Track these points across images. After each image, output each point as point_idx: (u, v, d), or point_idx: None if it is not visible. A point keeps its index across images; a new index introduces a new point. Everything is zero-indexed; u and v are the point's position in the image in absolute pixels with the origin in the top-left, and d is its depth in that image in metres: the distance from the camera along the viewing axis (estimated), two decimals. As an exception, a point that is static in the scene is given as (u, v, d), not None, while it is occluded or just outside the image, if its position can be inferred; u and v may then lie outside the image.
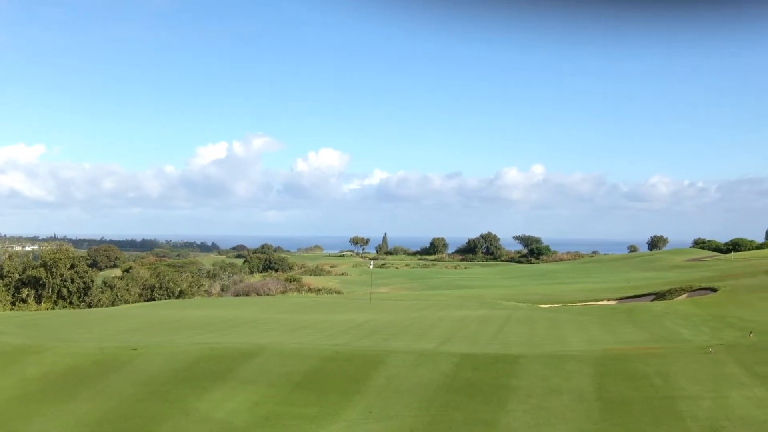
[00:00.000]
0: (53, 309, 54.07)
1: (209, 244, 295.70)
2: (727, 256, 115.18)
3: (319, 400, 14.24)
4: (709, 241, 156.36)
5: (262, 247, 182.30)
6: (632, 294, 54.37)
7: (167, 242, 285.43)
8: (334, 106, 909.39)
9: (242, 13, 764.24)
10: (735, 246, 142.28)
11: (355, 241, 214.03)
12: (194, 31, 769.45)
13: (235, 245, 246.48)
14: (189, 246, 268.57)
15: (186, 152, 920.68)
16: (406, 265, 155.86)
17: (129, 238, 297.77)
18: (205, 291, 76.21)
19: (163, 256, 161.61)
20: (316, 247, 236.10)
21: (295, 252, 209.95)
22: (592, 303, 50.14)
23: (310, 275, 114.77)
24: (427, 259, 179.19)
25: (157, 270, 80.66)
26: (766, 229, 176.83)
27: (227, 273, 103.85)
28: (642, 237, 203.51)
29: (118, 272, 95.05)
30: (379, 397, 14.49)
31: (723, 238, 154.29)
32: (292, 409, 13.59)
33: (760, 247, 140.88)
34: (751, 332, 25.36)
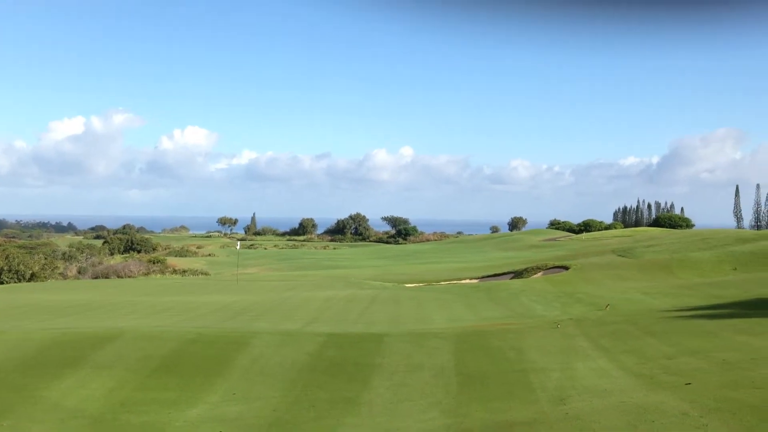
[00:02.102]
0: None
1: (65, 224, 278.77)
2: (579, 236, 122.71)
3: (180, 384, 13.88)
4: (563, 222, 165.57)
5: (124, 227, 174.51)
6: (493, 273, 56.76)
7: (17, 222, 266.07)
8: (202, 83, 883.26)
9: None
10: (586, 227, 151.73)
11: (223, 222, 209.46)
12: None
13: (94, 225, 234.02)
14: (42, 226, 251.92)
15: (38, 126, 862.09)
16: (275, 246, 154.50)
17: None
18: (60, 274, 72.18)
19: (13, 237, 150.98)
20: (182, 227, 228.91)
21: (159, 233, 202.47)
22: (455, 282, 51.92)
23: (176, 256, 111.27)
24: (296, 240, 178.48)
25: (5, 252, 75.20)
26: (613, 211, 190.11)
27: (85, 255, 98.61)
28: (503, 218, 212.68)
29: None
30: (242, 379, 14.34)
31: (576, 219, 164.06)
32: (151, 394, 13.17)
33: (607, 227, 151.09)
34: (607, 305, 27.62)
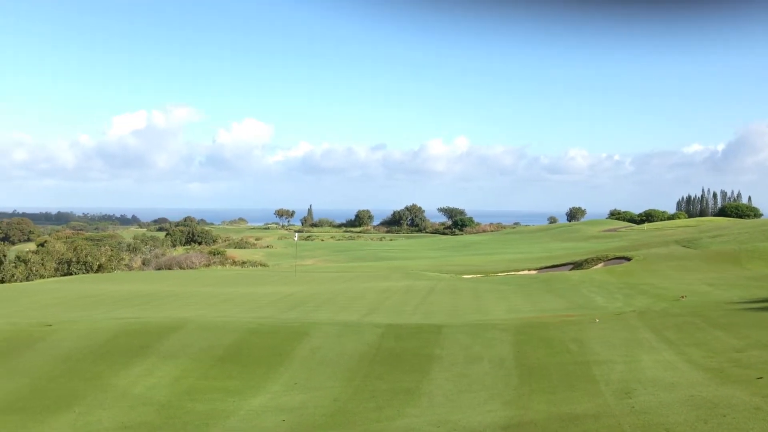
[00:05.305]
0: (-38, 285, 51.60)
1: (129, 216, 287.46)
2: (641, 226, 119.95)
3: (242, 373, 14.12)
4: (623, 212, 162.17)
5: (185, 219, 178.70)
6: (551, 264, 55.99)
7: (84, 215, 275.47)
8: (258, 76, 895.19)
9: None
10: (648, 217, 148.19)
11: (280, 214, 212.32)
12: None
13: (156, 218, 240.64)
14: (108, 219, 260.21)
15: (102, 121, 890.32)
16: (332, 237, 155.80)
17: (43, 211, 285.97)
18: (125, 265, 74.39)
19: (81, 230, 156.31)
20: (241, 219, 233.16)
21: (219, 225, 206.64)
22: (513, 273, 51.42)
23: (235, 248, 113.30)
24: (352, 231, 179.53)
25: (74, 244, 77.90)
26: (677, 200, 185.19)
27: (149, 246, 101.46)
28: (561, 208, 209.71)
29: (32, 246, 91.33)
30: (303, 369, 14.48)
31: (637, 209, 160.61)
32: (215, 383, 13.43)
33: (671, 217, 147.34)
34: (683, 296, 27.01)
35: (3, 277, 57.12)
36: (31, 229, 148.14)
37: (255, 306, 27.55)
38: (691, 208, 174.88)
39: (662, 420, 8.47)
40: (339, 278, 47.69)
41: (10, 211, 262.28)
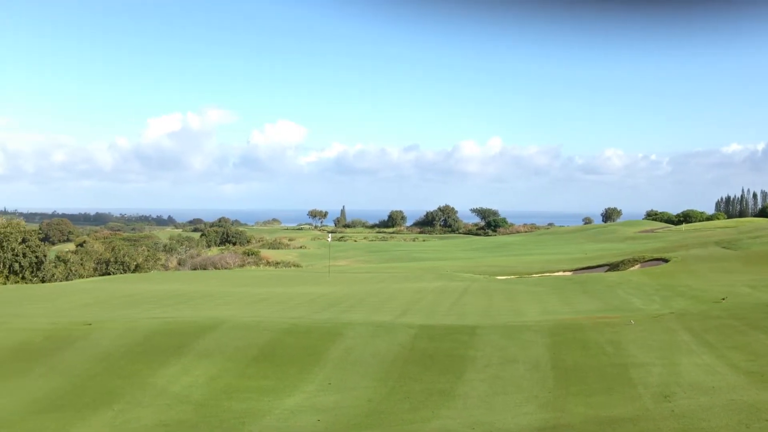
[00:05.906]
0: (5, 284, 52.81)
1: (165, 217, 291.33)
2: (679, 227, 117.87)
3: (277, 372, 14.21)
4: (661, 212, 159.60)
5: (220, 220, 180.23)
6: (587, 265, 55.36)
7: (122, 216, 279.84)
8: (290, 77, 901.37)
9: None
10: (686, 217, 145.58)
11: (314, 214, 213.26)
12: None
13: (191, 219, 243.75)
14: (144, 220, 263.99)
15: (138, 123, 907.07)
16: (365, 238, 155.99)
17: (82, 212, 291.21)
18: (161, 265, 75.36)
19: (118, 230, 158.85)
20: (274, 220, 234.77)
21: (252, 225, 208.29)
22: (547, 274, 50.94)
23: (269, 249, 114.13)
24: (385, 232, 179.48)
25: (112, 244, 79.36)
26: (715, 201, 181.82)
27: (184, 247, 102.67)
28: (596, 209, 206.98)
29: (71, 246, 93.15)
30: (337, 369, 14.52)
31: (674, 209, 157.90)
32: (250, 382, 13.54)
33: (709, 218, 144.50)
34: (723, 297, 26.45)
35: (44, 277, 58.34)
36: (71, 230, 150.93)
37: (289, 306, 27.69)
38: (731, 208, 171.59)
39: (703, 424, 8.32)
40: (372, 279, 47.72)
41: (50, 212, 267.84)
